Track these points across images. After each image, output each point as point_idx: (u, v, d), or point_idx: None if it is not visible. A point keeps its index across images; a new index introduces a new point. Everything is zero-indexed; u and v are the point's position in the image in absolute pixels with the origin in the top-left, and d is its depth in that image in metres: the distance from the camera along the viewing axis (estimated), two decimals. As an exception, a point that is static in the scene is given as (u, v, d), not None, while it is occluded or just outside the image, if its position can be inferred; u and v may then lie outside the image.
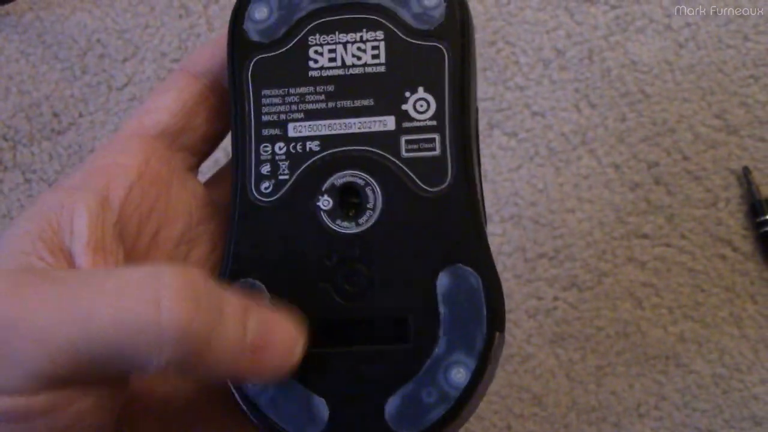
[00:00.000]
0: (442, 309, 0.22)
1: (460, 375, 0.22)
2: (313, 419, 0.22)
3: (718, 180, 0.43)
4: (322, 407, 0.22)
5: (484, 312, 0.22)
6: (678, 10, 0.45)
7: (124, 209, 0.23)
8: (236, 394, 0.23)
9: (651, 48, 0.44)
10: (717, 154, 0.43)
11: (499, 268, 0.42)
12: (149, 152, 0.24)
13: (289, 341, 0.21)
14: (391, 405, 0.22)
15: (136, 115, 0.25)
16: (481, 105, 0.44)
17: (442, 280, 0.23)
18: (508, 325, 0.41)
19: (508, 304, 0.42)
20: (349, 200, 0.23)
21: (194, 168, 0.26)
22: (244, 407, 0.23)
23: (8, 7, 0.46)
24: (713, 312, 0.42)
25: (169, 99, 0.25)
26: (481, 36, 0.45)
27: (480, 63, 0.44)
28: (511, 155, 0.43)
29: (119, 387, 0.20)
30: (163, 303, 0.18)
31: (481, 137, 0.43)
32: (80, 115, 0.44)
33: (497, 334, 0.22)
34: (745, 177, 0.43)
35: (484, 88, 0.44)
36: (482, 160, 0.43)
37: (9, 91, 0.44)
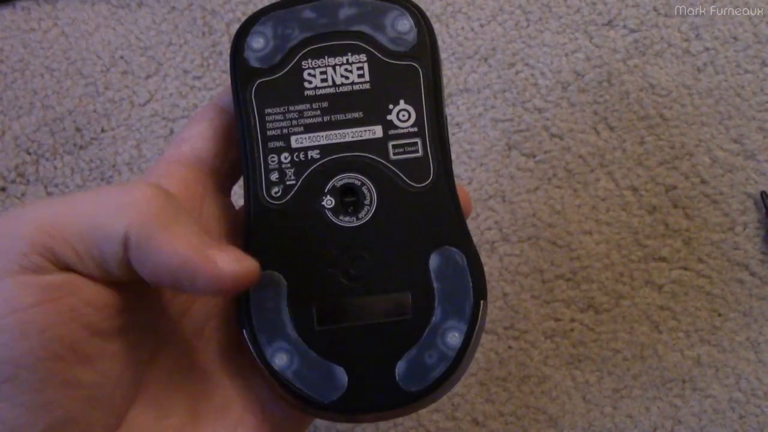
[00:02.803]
0: (435, 284, 0.27)
1: (454, 338, 0.26)
2: (335, 385, 0.26)
3: (735, 204, 0.43)
4: (341, 375, 0.26)
5: (470, 284, 0.27)
6: (696, 34, 0.45)
7: None
8: (265, 371, 0.26)
9: (669, 72, 0.45)
10: (734, 178, 0.43)
11: (516, 288, 0.42)
12: (187, 175, 0.27)
13: (238, 258, 0.24)
14: (400, 368, 0.26)
15: (174, 142, 0.28)
16: (500, 126, 0.44)
17: (434, 260, 0.27)
18: (525, 345, 0.41)
19: (526, 325, 0.42)
20: (349, 199, 0.27)
21: (227, 188, 0.29)
22: (273, 381, 0.26)
23: (34, 23, 0.46)
24: (730, 336, 0.42)
25: (202, 128, 0.28)
26: (500, 58, 0.45)
27: (499, 84, 0.45)
28: (530, 176, 0.43)
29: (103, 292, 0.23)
30: (132, 185, 0.23)
31: (499, 157, 0.44)
32: (102, 131, 0.45)
33: (482, 302, 0.27)
34: (763, 201, 0.43)
35: (503, 109, 0.44)
36: (500, 180, 0.43)
37: (33, 106, 0.45)
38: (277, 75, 0.28)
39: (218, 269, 0.23)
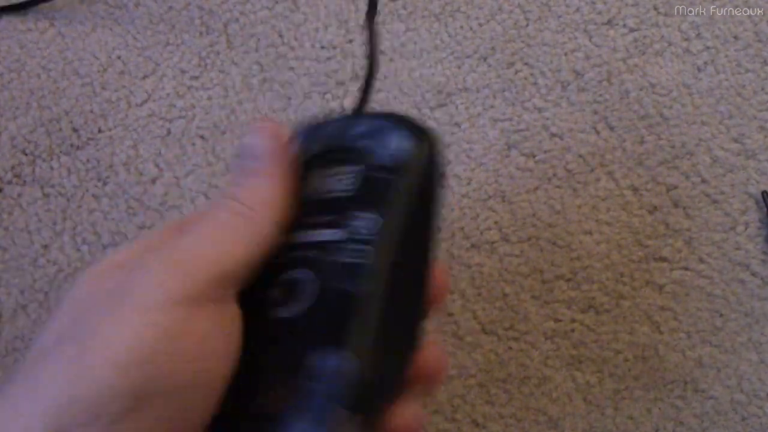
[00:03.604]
0: (310, 384, 0.26)
1: None
2: None
3: (736, 204, 0.43)
4: None
5: (341, 392, 0.25)
6: (697, 33, 0.45)
7: None
8: None
9: (669, 71, 0.44)
10: (735, 177, 0.43)
11: (516, 289, 0.42)
12: None
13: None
14: None
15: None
16: (499, 125, 0.44)
17: (320, 360, 0.26)
18: (525, 346, 0.41)
19: (526, 326, 0.41)
20: (288, 291, 0.28)
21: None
22: None
23: (30, 24, 0.46)
24: (732, 337, 0.41)
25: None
26: (499, 57, 0.45)
27: (498, 84, 0.45)
28: (529, 176, 0.43)
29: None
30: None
31: (499, 157, 0.43)
32: (99, 131, 0.45)
33: (342, 410, 0.25)
34: (764, 201, 0.42)
35: (502, 109, 0.44)
36: (500, 180, 0.43)
37: (30, 106, 0.45)
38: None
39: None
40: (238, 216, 0.27)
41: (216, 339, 0.25)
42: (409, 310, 0.29)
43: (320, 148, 0.30)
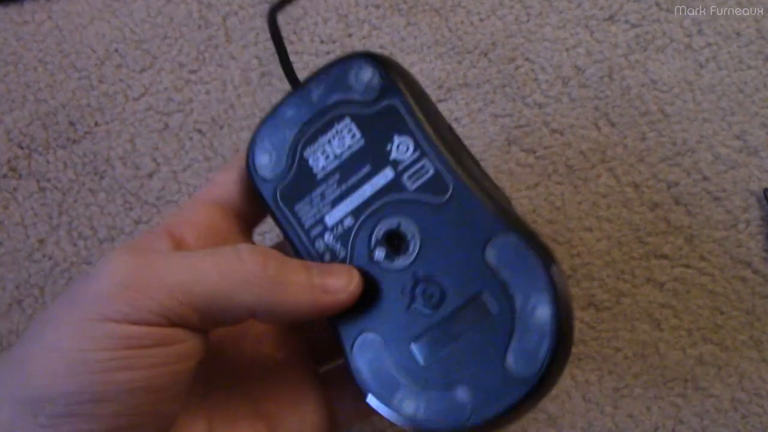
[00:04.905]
0: (503, 273, 0.27)
1: (543, 312, 0.26)
2: (462, 407, 0.27)
3: (738, 201, 0.43)
4: (462, 395, 0.27)
5: (534, 258, 0.27)
6: (699, 30, 0.45)
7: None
8: (402, 425, 0.28)
9: (671, 67, 0.44)
10: (737, 175, 0.43)
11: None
12: (215, 214, 0.31)
13: (346, 274, 0.28)
14: (510, 363, 0.27)
15: (206, 185, 0.32)
16: (500, 121, 0.44)
17: (491, 254, 0.28)
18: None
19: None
20: (394, 241, 0.29)
21: (246, 230, 0.33)
22: (400, 424, 0.28)
23: (27, 16, 0.46)
24: (733, 335, 0.41)
25: (233, 175, 0.32)
26: (500, 53, 0.45)
27: (499, 79, 0.44)
28: (530, 172, 0.43)
29: (206, 340, 0.27)
30: (243, 256, 0.27)
31: (499, 153, 0.43)
32: (96, 125, 0.44)
33: (553, 266, 0.27)
34: (766, 198, 0.42)
35: (502, 105, 0.44)
36: (500, 175, 0.43)
37: (26, 99, 0.44)
38: (290, 175, 0.31)
39: (337, 298, 0.28)
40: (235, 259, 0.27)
41: (162, 366, 0.25)
42: (486, 175, 0.30)
43: (294, 133, 0.31)
